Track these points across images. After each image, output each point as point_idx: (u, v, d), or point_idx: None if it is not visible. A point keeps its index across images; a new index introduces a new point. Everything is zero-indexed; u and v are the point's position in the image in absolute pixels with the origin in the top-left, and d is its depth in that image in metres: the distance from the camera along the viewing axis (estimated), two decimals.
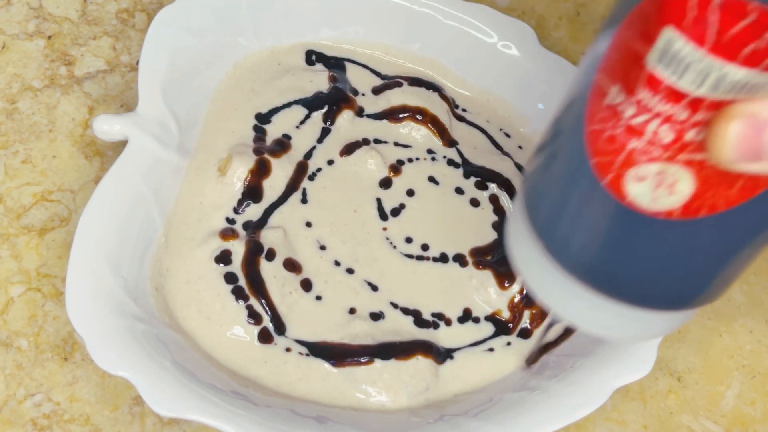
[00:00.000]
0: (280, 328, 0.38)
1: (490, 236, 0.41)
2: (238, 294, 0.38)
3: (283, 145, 0.42)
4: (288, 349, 0.37)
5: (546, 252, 0.28)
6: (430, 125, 0.44)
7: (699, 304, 0.29)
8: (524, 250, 0.30)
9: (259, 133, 0.42)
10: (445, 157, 0.43)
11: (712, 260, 0.27)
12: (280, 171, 0.41)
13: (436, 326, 0.39)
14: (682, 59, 0.21)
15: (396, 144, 0.43)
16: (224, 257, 0.38)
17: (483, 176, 0.43)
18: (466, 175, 0.43)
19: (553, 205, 0.28)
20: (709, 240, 0.26)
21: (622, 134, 0.24)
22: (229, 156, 0.40)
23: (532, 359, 0.39)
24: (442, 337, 0.39)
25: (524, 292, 0.40)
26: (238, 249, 0.39)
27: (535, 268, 0.29)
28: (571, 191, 0.27)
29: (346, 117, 0.43)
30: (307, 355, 0.37)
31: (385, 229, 0.41)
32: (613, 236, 0.26)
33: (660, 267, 0.27)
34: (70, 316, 0.34)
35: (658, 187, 0.24)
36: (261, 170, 0.40)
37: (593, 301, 0.28)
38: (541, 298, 0.30)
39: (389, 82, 0.45)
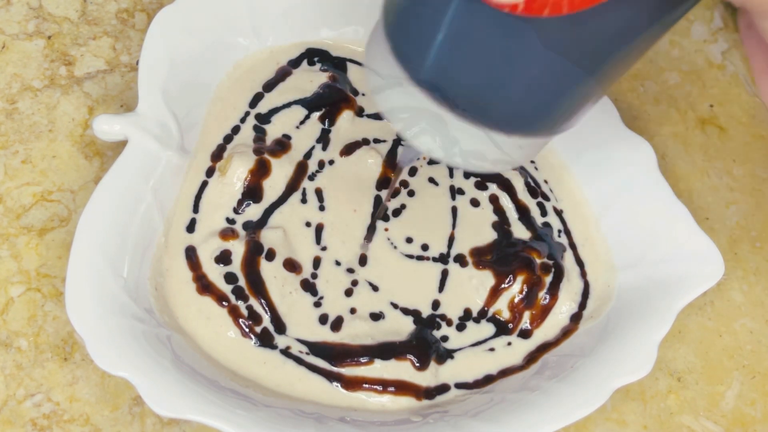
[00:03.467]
0: (280, 328, 0.38)
1: (490, 236, 0.41)
2: (238, 294, 0.38)
3: (283, 145, 0.42)
4: (288, 349, 0.37)
5: (392, 52, 0.28)
6: None
7: (537, 131, 0.28)
8: (376, 50, 0.30)
9: (259, 133, 0.42)
10: None
11: (550, 75, 0.26)
12: (280, 171, 0.41)
13: (436, 326, 0.39)
14: None
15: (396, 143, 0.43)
16: (224, 257, 0.38)
17: (483, 176, 0.43)
18: (466, 175, 0.43)
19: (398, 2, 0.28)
20: (549, 49, 0.25)
21: None
22: (229, 156, 0.40)
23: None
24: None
25: (524, 292, 0.40)
26: (238, 249, 0.39)
27: (381, 62, 0.29)
28: None
29: (346, 117, 0.43)
30: (307, 354, 0.37)
31: (386, 229, 0.41)
32: (455, 29, 0.26)
33: (500, 73, 0.26)
34: (70, 316, 0.34)
35: None
36: (261, 170, 0.40)
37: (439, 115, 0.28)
38: (384, 111, 0.30)
39: None
